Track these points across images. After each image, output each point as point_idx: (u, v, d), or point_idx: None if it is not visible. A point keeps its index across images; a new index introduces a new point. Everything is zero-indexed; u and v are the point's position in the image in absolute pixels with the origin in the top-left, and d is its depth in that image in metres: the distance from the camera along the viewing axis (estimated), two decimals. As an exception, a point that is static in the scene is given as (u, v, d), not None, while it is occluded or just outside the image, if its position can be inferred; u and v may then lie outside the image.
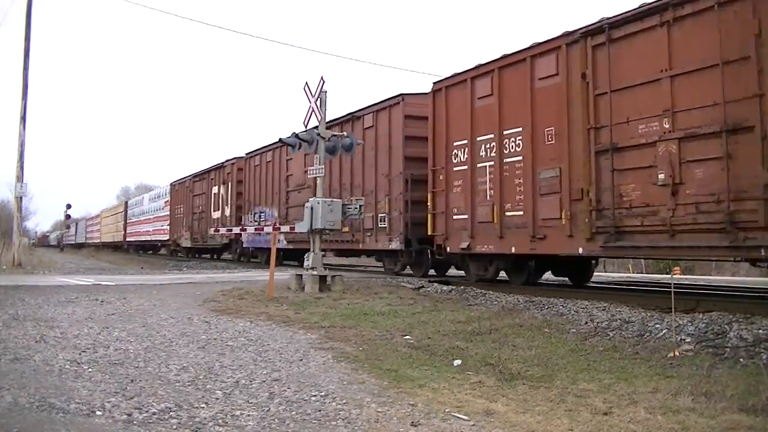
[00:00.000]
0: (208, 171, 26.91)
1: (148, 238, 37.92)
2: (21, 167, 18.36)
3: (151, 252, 41.39)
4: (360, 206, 11.96)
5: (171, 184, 32.84)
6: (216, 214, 25.23)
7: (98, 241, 55.88)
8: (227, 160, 24.57)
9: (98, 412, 3.65)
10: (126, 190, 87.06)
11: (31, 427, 3.34)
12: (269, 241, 13.59)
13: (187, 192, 29.49)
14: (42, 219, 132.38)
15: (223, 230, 20.04)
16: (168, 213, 32.83)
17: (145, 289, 10.85)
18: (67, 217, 60.27)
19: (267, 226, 15.97)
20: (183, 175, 31.68)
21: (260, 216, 17.98)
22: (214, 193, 25.64)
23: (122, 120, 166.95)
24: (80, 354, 5.29)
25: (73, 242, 69.12)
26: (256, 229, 15.41)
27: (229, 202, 23.96)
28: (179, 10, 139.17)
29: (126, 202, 47.51)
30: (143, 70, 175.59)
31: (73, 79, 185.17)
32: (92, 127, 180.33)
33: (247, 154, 22.29)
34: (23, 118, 18.41)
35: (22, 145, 18.35)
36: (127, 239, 44.23)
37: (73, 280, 13.41)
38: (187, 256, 30.96)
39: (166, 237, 32.89)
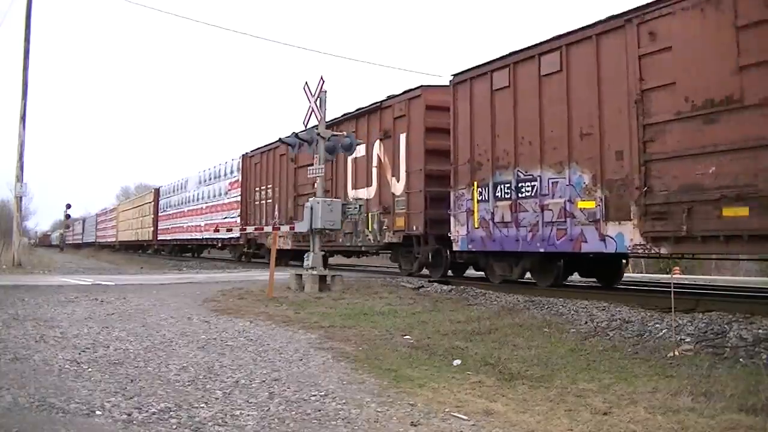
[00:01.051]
0: (336, 122, 15.44)
1: (198, 235, 26.89)
2: (21, 167, 18.38)
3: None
4: (360, 206, 11.80)
5: (243, 155, 22.60)
6: (361, 193, 15.16)
7: (114, 240, 46.08)
8: (390, 97, 14.06)
9: (98, 412, 3.65)
10: (126, 190, 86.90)
11: (31, 427, 3.34)
12: (554, 238, 9.09)
13: (282, 164, 19.25)
14: (42, 219, 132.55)
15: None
16: (237, 199, 22.76)
17: (144, 289, 10.85)
18: (67, 216, 60.04)
19: (550, 200, 9.51)
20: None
21: (520, 188, 10.08)
22: (354, 159, 15.10)
23: (122, 120, 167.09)
24: (80, 354, 5.29)
25: (81, 242, 62.77)
26: (525, 214, 9.45)
27: (398, 169, 13.64)
28: (179, 10, 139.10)
29: (157, 189, 35.74)
30: (143, 70, 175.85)
31: (73, 79, 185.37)
32: (92, 127, 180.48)
33: (455, 75, 11.71)
34: (23, 118, 18.43)
35: (22, 145, 18.38)
36: (159, 237, 33.64)
37: (73, 279, 13.40)
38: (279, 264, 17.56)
39: (235, 234, 20.74)
